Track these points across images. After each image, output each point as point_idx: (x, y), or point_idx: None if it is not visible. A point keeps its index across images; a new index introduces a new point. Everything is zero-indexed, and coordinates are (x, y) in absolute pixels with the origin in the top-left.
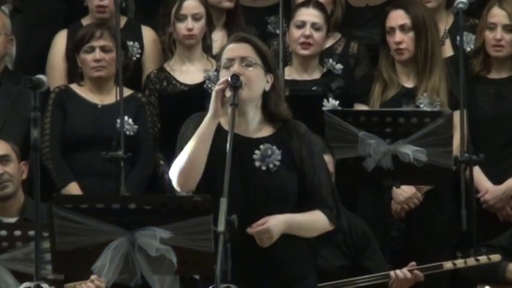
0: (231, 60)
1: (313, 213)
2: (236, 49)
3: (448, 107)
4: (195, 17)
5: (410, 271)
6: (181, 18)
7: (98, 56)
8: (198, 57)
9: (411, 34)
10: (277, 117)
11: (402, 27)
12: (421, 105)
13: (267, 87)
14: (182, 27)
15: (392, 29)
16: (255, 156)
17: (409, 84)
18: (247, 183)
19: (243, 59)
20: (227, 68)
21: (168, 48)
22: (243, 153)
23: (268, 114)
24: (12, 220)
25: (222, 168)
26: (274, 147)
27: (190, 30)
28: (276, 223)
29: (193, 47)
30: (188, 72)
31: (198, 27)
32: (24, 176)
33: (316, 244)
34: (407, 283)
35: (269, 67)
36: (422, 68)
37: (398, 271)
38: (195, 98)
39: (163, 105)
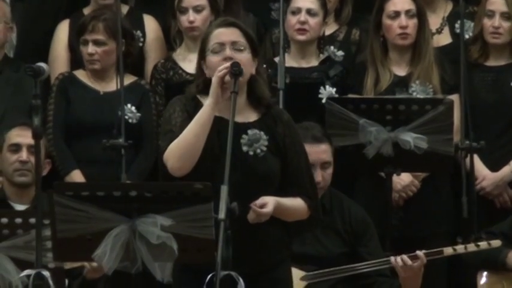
0: (221, 45)
1: (296, 200)
2: (226, 34)
3: (440, 93)
4: (197, 9)
5: (412, 257)
6: (183, 10)
7: (90, 49)
8: None
9: (415, 20)
10: (262, 101)
11: (408, 12)
12: (414, 93)
13: (253, 71)
14: (184, 20)
15: (397, 13)
16: (242, 141)
17: (400, 72)
18: (233, 168)
19: (233, 44)
20: (217, 52)
21: (173, 38)
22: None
23: (254, 98)
24: (24, 208)
25: (208, 153)
26: (262, 132)
27: (191, 22)
28: (273, 205)
29: (199, 36)
30: (194, 62)
31: (200, 18)
32: (44, 173)
33: (294, 231)
34: (412, 270)
35: (256, 52)
36: (417, 55)
37: (398, 257)
38: None
39: (168, 95)
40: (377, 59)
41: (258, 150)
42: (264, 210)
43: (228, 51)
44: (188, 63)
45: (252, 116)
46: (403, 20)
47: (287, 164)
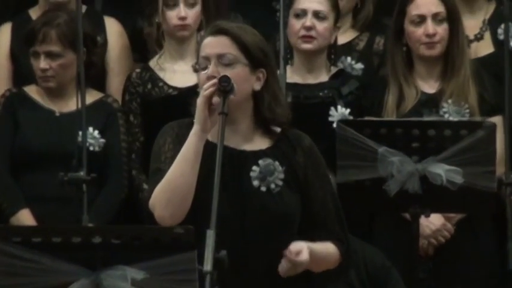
0: (206, 60)
1: (327, 245)
2: (212, 44)
3: (478, 115)
4: (189, 2)
5: None
6: (172, 4)
7: (42, 64)
8: (191, 54)
9: (445, 26)
10: (272, 122)
11: (436, 16)
12: (446, 115)
13: (257, 86)
14: (173, 16)
15: (423, 18)
16: (252, 174)
17: (429, 89)
18: (242, 207)
19: (220, 57)
20: (204, 69)
21: (156, 42)
22: (237, 171)
23: (262, 119)
24: None
25: (211, 191)
26: (277, 162)
27: (183, 19)
28: (308, 252)
29: (187, 40)
30: (179, 73)
31: (192, 15)
32: None
33: (320, 284)
34: None
35: (257, 62)
36: (450, 69)
37: None
38: (186, 105)
39: (146, 113)
40: (399, 73)
41: (273, 185)
42: (301, 258)
43: (212, 68)
44: (172, 74)
45: (263, 143)
46: (429, 26)
47: (310, 201)
